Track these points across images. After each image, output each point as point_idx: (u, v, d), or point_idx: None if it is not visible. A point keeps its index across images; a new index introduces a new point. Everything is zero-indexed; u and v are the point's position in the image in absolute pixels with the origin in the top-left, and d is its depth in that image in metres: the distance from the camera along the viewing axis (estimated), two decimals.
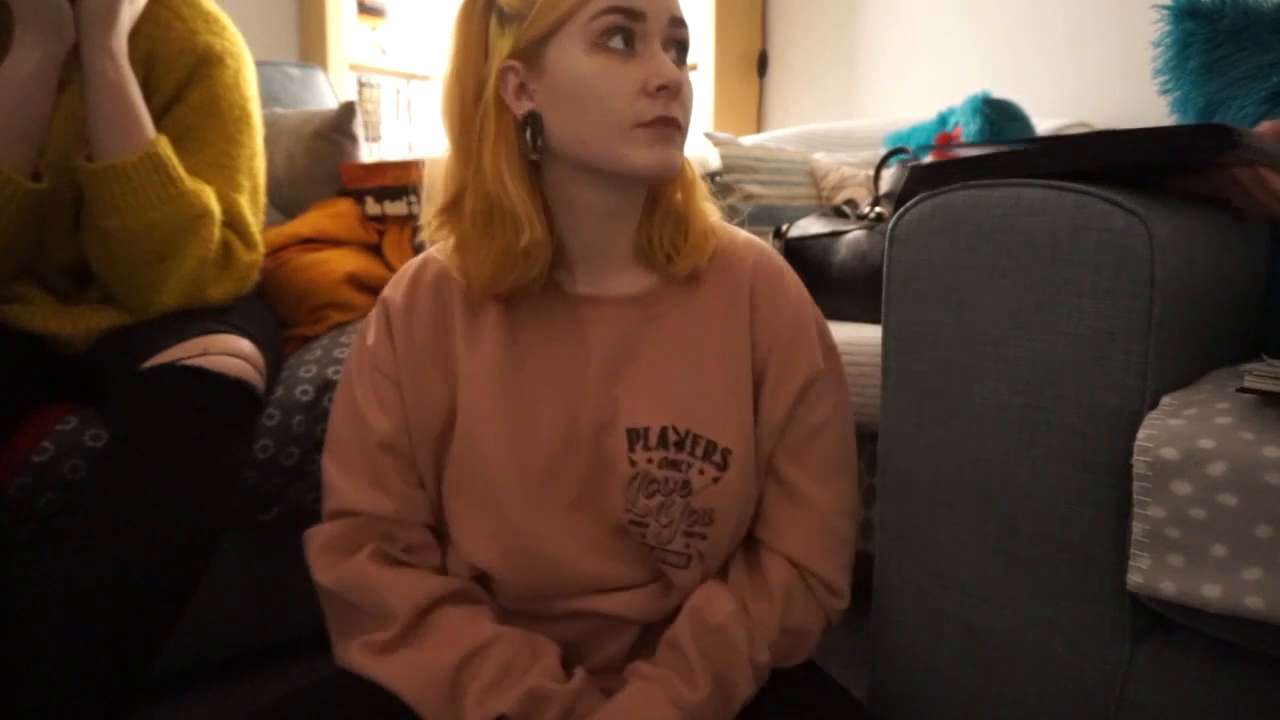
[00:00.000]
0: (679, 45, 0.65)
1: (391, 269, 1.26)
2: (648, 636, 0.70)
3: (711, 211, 0.73)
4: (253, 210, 1.02)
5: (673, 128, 0.63)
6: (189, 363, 0.83)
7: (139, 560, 0.74)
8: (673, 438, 0.67)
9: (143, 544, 0.74)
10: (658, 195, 0.70)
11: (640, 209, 0.70)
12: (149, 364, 0.84)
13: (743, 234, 0.75)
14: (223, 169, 0.99)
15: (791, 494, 0.71)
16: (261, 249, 1.03)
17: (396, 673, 0.64)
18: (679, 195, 0.70)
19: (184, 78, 0.99)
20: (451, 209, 0.68)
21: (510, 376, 0.69)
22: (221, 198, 0.97)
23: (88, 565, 0.72)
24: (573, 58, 0.62)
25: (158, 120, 0.96)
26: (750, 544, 0.73)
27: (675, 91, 0.63)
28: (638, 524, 0.67)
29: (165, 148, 0.91)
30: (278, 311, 1.15)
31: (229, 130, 1.01)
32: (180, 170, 0.91)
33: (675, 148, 0.64)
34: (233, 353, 0.87)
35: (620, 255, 0.70)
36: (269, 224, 1.16)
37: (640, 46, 0.62)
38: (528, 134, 0.65)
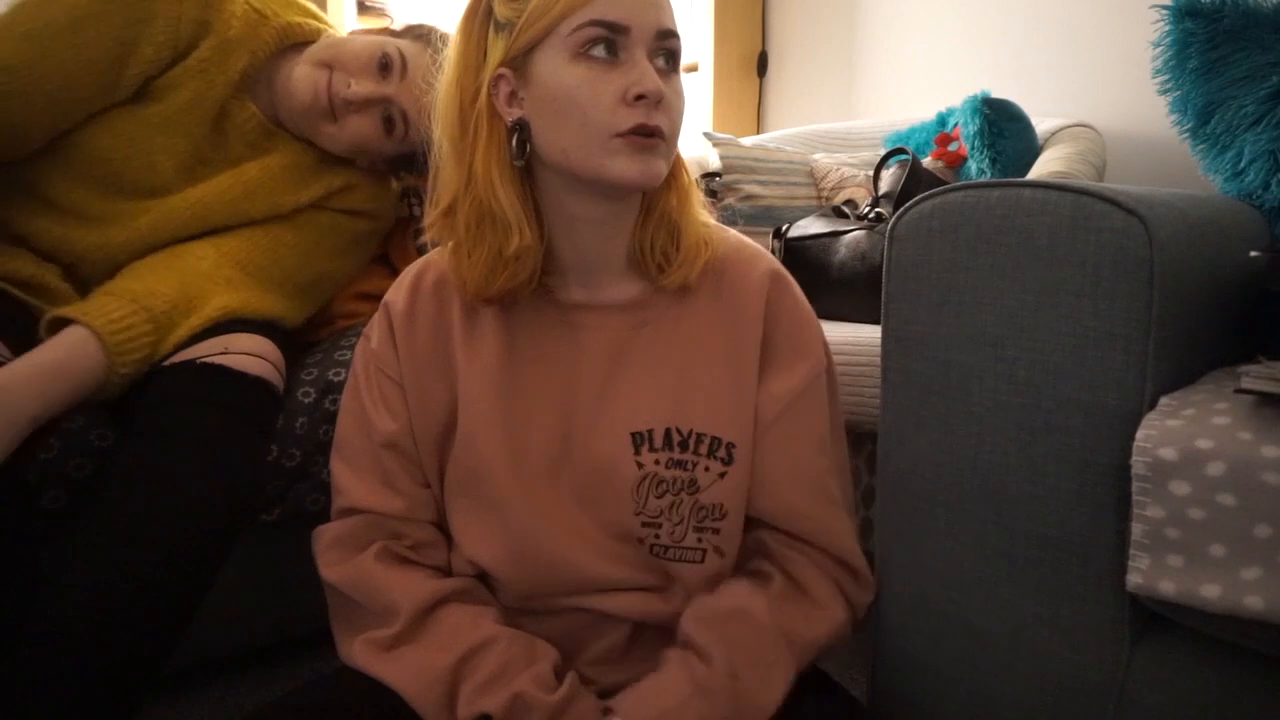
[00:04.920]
0: (668, 54, 0.64)
1: (396, 271, 1.26)
2: (643, 632, 0.71)
3: (707, 220, 0.72)
4: (293, 301, 1.05)
5: (654, 137, 0.63)
6: (210, 360, 0.84)
7: (159, 558, 0.74)
8: (676, 438, 0.68)
9: (163, 542, 0.75)
10: (652, 202, 0.70)
11: (633, 218, 0.70)
12: (170, 361, 0.84)
13: (747, 239, 0.75)
14: (306, 270, 1.06)
15: None
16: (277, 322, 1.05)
17: (397, 670, 0.64)
18: (674, 200, 0.70)
19: (353, 208, 1.10)
20: (448, 213, 0.69)
21: (507, 380, 0.70)
22: (259, 306, 0.99)
23: (109, 563, 0.72)
24: (557, 67, 0.62)
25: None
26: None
27: (656, 101, 0.62)
28: (650, 524, 0.68)
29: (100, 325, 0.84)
30: None
31: (345, 262, 1.12)
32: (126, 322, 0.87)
33: (658, 157, 0.64)
34: (253, 352, 0.88)
35: (614, 264, 0.70)
36: None
37: (624, 56, 0.62)
38: (514, 142, 0.65)
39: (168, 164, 0.97)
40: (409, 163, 1.10)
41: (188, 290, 0.90)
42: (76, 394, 0.80)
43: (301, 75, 0.98)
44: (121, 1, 0.90)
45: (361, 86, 0.98)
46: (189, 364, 0.84)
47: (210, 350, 0.85)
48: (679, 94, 0.66)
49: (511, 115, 0.65)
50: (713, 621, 0.65)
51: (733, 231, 0.76)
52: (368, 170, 1.11)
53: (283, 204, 1.03)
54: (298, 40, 1.02)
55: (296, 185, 1.04)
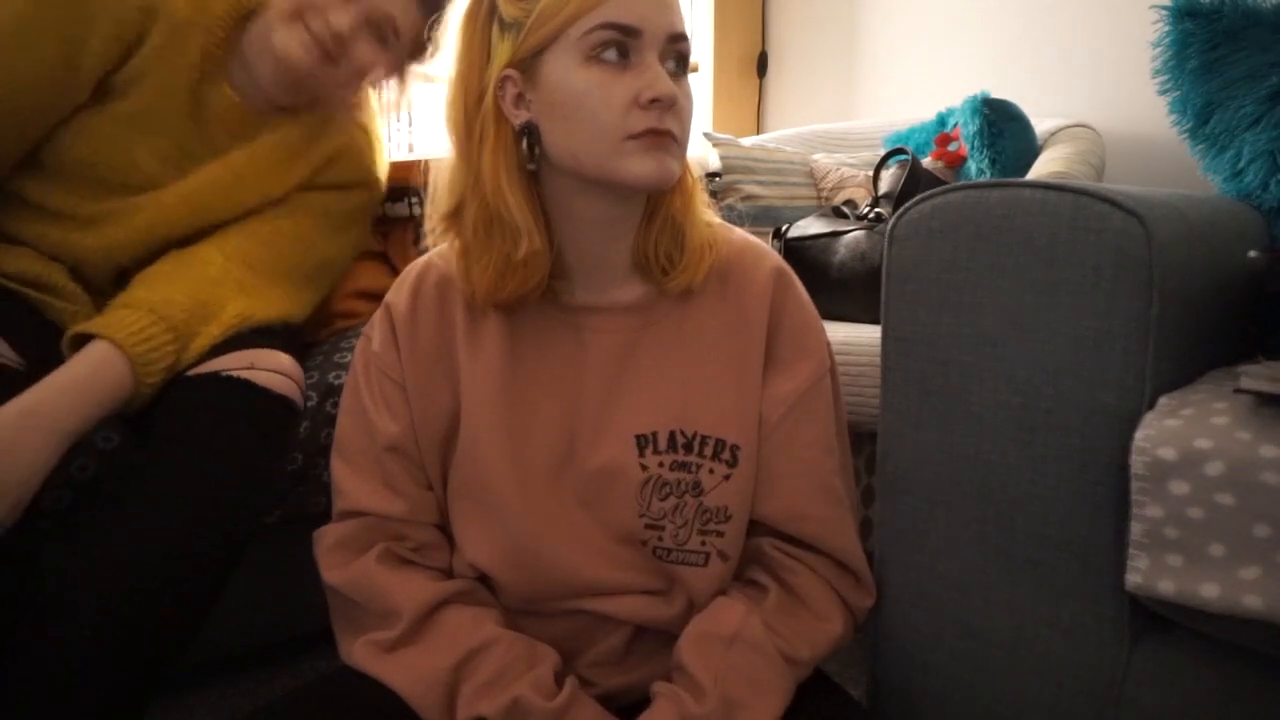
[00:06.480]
0: (678, 57, 0.64)
1: (397, 273, 1.26)
2: (643, 635, 0.70)
3: (711, 219, 0.72)
4: (300, 292, 1.05)
5: (667, 139, 0.62)
6: (236, 374, 0.84)
7: (177, 573, 0.75)
8: (681, 440, 0.68)
9: (181, 553, 0.75)
10: (656, 203, 0.69)
11: (638, 219, 0.69)
12: (195, 371, 0.85)
13: (752, 238, 0.75)
14: (309, 259, 1.05)
15: None
16: (287, 320, 1.04)
17: (398, 671, 0.64)
18: (678, 202, 0.70)
19: (339, 183, 1.07)
20: (454, 216, 0.68)
21: (511, 383, 0.69)
22: (273, 306, 0.99)
23: (126, 570, 0.72)
24: (567, 70, 0.61)
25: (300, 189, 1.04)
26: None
27: (669, 104, 0.62)
28: (653, 526, 0.67)
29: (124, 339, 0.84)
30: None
31: (342, 242, 1.10)
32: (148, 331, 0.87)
33: (672, 158, 0.63)
34: (277, 369, 0.88)
35: (618, 266, 0.70)
36: None
37: (635, 59, 0.62)
38: (524, 145, 0.65)
39: (150, 160, 0.96)
40: (420, 52, 1.03)
41: (200, 297, 0.90)
42: (107, 407, 0.81)
43: (283, 38, 0.93)
44: (62, 0, 0.88)
45: (339, 17, 0.93)
46: (214, 376, 0.84)
47: (236, 364, 0.86)
48: (689, 96, 0.65)
49: (519, 118, 0.65)
50: (709, 650, 0.64)
51: (739, 230, 0.75)
52: (356, 131, 1.08)
53: (273, 189, 1.02)
54: (251, 7, 0.97)
55: (285, 166, 1.02)
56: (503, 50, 0.64)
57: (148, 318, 0.85)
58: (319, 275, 1.08)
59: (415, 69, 1.07)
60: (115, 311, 0.86)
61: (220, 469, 0.80)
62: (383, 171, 1.14)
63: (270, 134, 1.01)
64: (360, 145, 1.09)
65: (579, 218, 0.67)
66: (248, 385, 0.84)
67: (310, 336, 1.15)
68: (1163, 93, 1.07)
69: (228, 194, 0.99)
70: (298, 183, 1.04)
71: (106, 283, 0.97)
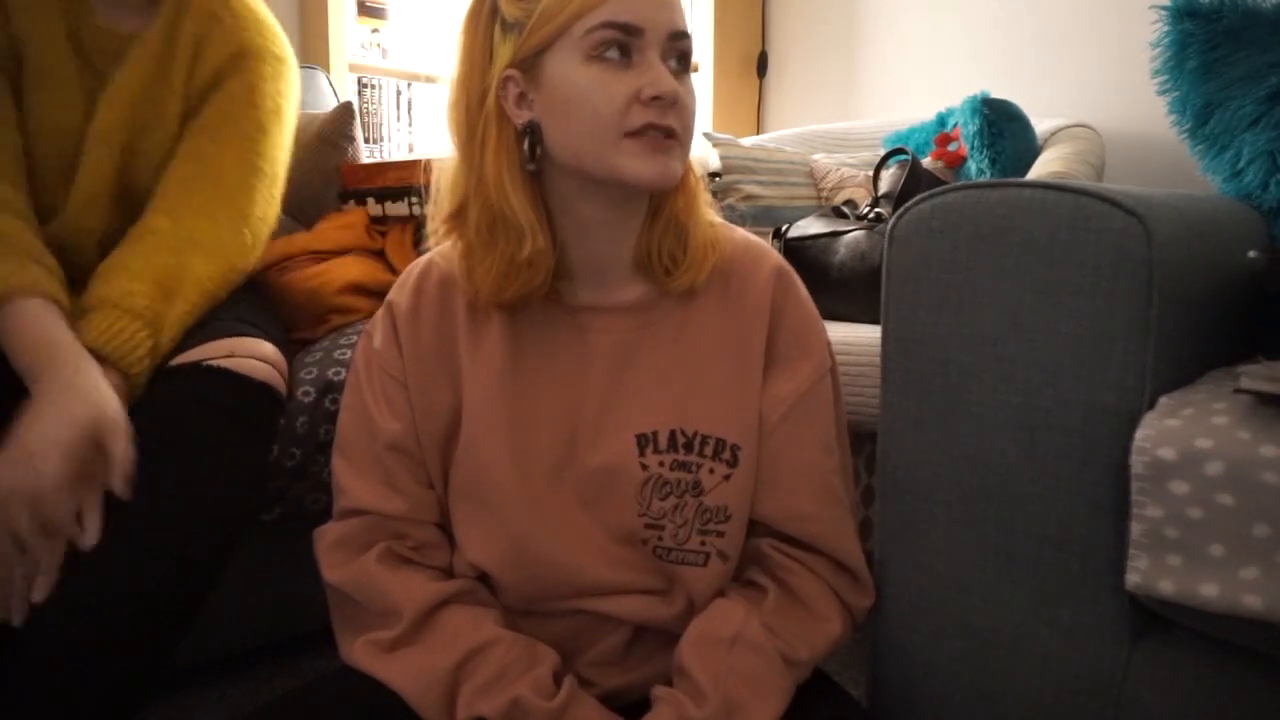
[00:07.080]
0: (679, 55, 0.64)
1: (395, 271, 1.26)
2: (643, 634, 0.70)
3: (713, 219, 0.72)
4: (264, 203, 1.03)
5: (669, 138, 0.63)
6: (216, 363, 0.84)
7: (163, 571, 0.74)
8: (681, 440, 0.68)
9: (168, 548, 0.75)
10: (660, 204, 0.69)
11: (642, 219, 0.69)
12: (175, 361, 0.85)
13: (753, 237, 0.75)
14: (245, 162, 1.01)
15: None
16: (258, 250, 1.03)
17: (398, 671, 0.64)
18: (681, 202, 0.70)
19: (224, 66, 1.03)
20: (457, 217, 0.68)
21: (512, 383, 0.69)
22: (239, 198, 0.97)
23: (116, 564, 0.72)
24: (569, 68, 0.62)
25: (195, 106, 1.00)
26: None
27: (671, 102, 0.62)
28: (653, 526, 0.67)
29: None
30: (281, 317, 1.16)
31: (261, 119, 1.04)
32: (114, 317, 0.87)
33: (673, 158, 0.63)
34: (258, 356, 0.88)
35: (621, 266, 0.70)
36: (282, 231, 1.16)
37: (637, 58, 0.62)
38: (526, 144, 0.65)
39: (70, 115, 0.96)
40: None
41: (157, 277, 0.90)
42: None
43: None
44: None
45: None
46: (195, 366, 0.84)
47: (216, 352, 0.86)
48: (691, 94, 0.65)
49: (521, 118, 0.65)
50: (710, 652, 0.64)
51: (740, 230, 0.75)
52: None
53: (166, 98, 1.01)
54: None
55: (163, 65, 1.01)
56: (504, 50, 0.64)
57: (111, 314, 0.85)
58: (270, 166, 1.04)
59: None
60: (83, 319, 0.86)
61: (209, 464, 0.80)
62: (274, 42, 1.09)
63: (140, 44, 1.00)
64: (222, 17, 1.04)
65: (582, 218, 0.67)
66: (229, 375, 0.84)
67: (307, 334, 1.15)
68: (1162, 93, 1.07)
69: (132, 118, 0.98)
70: (184, 80, 1.01)
71: (93, 265, 0.96)
